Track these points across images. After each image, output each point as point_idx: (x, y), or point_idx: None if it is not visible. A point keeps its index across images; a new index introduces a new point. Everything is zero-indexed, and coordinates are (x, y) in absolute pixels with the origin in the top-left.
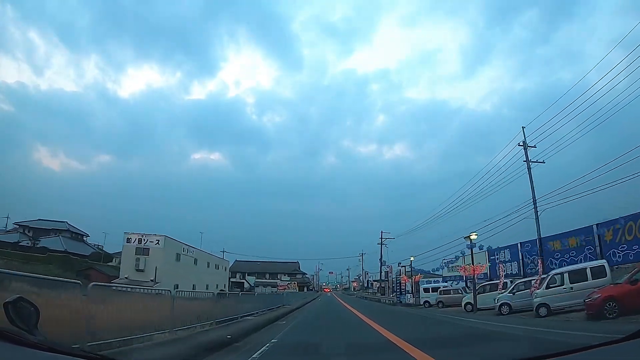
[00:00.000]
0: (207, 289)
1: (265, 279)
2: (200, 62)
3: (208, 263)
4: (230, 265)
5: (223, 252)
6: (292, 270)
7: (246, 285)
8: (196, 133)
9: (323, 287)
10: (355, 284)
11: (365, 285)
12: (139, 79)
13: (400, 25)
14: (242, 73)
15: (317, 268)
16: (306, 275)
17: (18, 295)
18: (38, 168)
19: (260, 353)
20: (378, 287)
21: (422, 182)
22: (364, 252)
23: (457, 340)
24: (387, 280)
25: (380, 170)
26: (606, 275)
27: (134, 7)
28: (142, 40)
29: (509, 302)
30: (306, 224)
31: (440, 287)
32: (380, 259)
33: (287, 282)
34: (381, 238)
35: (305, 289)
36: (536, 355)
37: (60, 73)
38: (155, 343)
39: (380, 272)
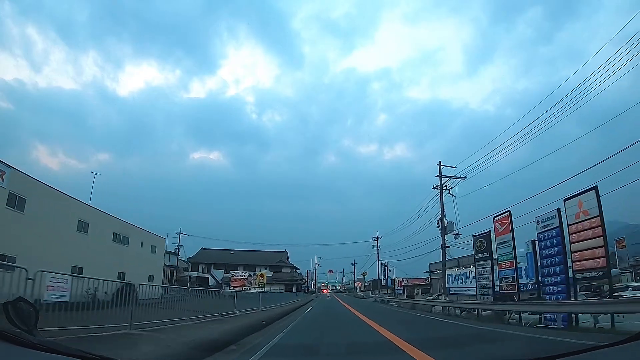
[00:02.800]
0: (81, 272)
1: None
2: (199, 59)
3: (84, 223)
4: (194, 254)
5: (179, 233)
6: (277, 261)
7: (211, 281)
8: (195, 132)
9: (322, 287)
10: (358, 284)
11: (384, 282)
12: (138, 77)
13: (402, 23)
14: (242, 71)
15: (315, 263)
16: (297, 271)
17: (18, 296)
18: (37, 167)
19: None
20: (404, 287)
21: (423, 183)
22: (379, 235)
23: None
24: (490, 258)
25: (380, 171)
26: None
27: (132, 2)
28: (141, 36)
29: None
30: (303, 224)
31: None
32: (442, 219)
33: (246, 276)
34: (440, 176)
35: (294, 288)
36: (538, 356)
37: (59, 70)
38: None
39: (443, 246)
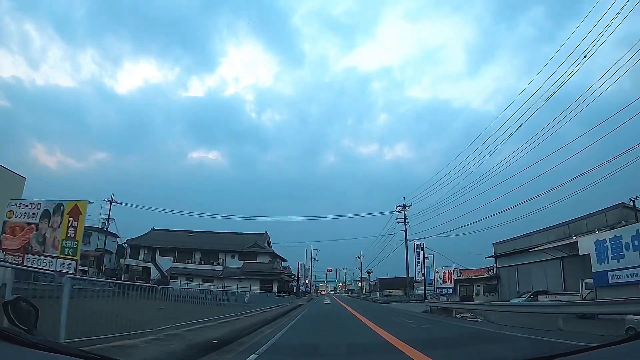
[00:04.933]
0: None
1: (194, 262)
2: (198, 57)
3: None
4: (141, 235)
5: (110, 201)
6: (249, 246)
7: (154, 273)
8: (194, 131)
9: (320, 289)
10: (361, 284)
11: (419, 277)
12: (137, 75)
13: (404, 20)
14: (242, 69)
15: (310, 255)
16: (284, 263)
17: (17, 295)
18: (35, 166)
19: None
20: (456, 282)
21: (424, 184)
22: (407, 204)
23: None
24: None
25: (381, 171)
26: None
27: None
28: (139, 33)
29: None
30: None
31: None
32: None
33: (37, 218)
34: None
35: (275, 285)
36: (537, 356)
37: (57, 67)
38: None
39: None
